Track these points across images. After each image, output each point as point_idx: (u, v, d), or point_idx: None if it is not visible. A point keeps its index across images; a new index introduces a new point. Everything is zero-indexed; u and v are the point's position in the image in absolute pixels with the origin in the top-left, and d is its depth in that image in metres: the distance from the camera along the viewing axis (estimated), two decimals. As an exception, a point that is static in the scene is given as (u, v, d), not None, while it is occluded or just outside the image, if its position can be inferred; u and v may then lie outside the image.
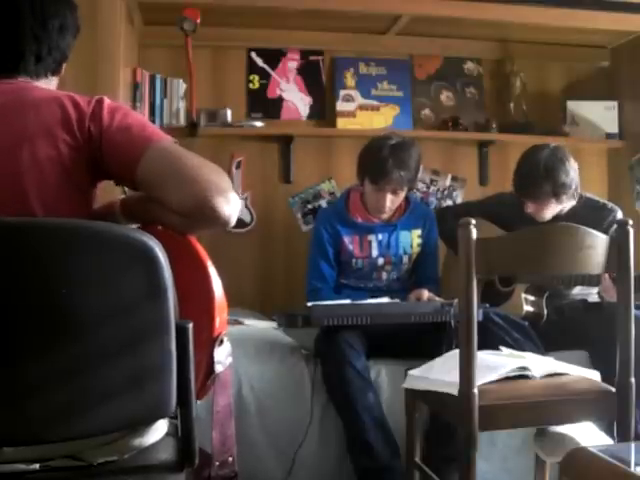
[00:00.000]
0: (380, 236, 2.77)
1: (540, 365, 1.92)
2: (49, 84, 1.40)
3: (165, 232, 1.26)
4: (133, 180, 1.27)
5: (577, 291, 2.78)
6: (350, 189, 2.86)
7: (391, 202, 2.69)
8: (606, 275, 2.33)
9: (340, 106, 3.52)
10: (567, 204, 2.69)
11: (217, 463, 1.28)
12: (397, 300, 2.59)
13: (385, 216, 2.76)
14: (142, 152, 1.25)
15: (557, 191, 2.58)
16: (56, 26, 1.35)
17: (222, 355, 1.26)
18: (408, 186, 2.73)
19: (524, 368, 1.87)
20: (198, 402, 1.21)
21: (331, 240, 2.76)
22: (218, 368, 1.25)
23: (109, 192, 1.49)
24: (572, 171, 2.61)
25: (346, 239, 2.75)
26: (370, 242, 2.76)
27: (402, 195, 2.72)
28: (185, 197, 1.21)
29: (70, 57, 1.44)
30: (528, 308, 2.69)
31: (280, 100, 3.53)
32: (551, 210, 2.65)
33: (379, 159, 2.61)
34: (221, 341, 1.25)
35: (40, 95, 1.29)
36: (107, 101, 1.30)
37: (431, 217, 2.87)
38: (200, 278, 1.24)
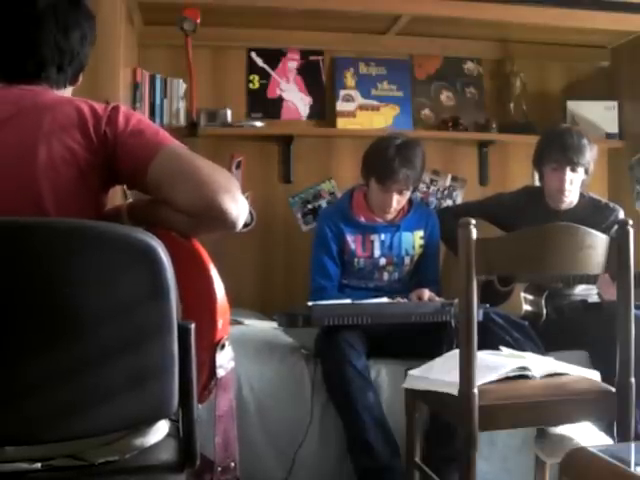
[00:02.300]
0: (383, 236, 2.77)
1: (540, 365, 1.92)
2: (65, 92, 1.42)
3: (168, 235, 1.26)
4: (144, 182, 1.29)
5: (578, 291, 2.79)
6: (354, 188, 2.86)
7: (397, 202, 2.70)
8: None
9: (340, 106, 3.52)
10: (577, 183, 2.73)
11: (219, 469, 1.28)
12: (397, 299, 2.60)
13: (390, 216, 2.76)
14: (154, 154, 1.27)
15: (576, 160, 2.67)
16: (78, 37, 1.38)
17: (224, 359, 1.26)
18: (414, 186, 2.74)
19: (524, 368, 1.87)
20: (199, 406, 1.21)
21: (335, 238, 2.76)
22: (220, 372, 1.26)
23: (111, 197, 1.49)
24: (594, 151, 2.74)
25: (349, 238, 2.75)
26: (373, 242, 2.76)
27: (408, 195, 2.73)
28: (195, 198, 1.23)
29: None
30: (527, 307, 2.69)
31: (280, 100, 3.53)
32: (565, 179, 2.69)
33: (386, 159, 2.62)
34: (223, 345, 1.26)
35: (57, 99, 1.31)
36: (123, 108, 1.33)
37: (433, 218, 2.88)
38: (202, 281, 1.25)
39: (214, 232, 1.31)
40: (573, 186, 2.71)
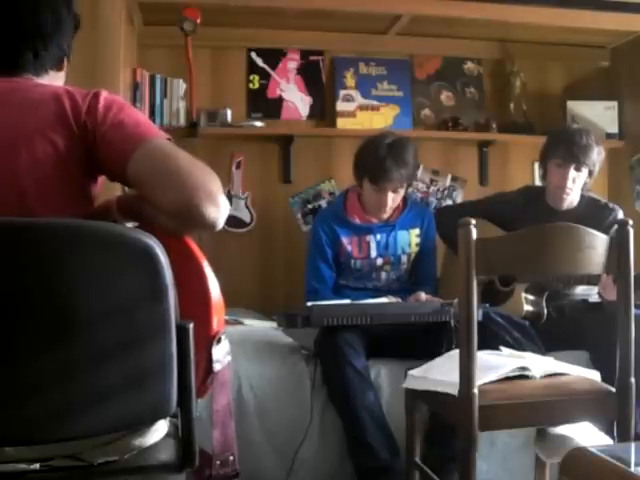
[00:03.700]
0: (378, 236, 2.77)
1: (540, 365, 1.91)
2: (53, 80, 1.38)
3: (161, 231, 1.25)
4: (124, 176, 1.25)
5: (579, 291, 2.79)
6: (348, 190, 2.86)
7: (392, 201, 2.70)
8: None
9: (340, 106, 3.52)
10: (579, 183, 2.72)
11: (218, 462, 1.27)
12: (397, 299, 2.60)
13: (385, 216, 2.76)
14: (133, 150, 1.23)
15: (582, 159, 2.66)
16: (50, 21, 1.33)
17: (220, 354, 1.25)
18: (407, 183, 2.74)
19: (524, 368, 1.87)
20: (198, 401, 1.21)
21: (329, 242, 2.76)
22: (216, 367, 1.24)
23: (108, 190, 1.49)
24: (601, 154, 2.73)
25: (344, 240, 2.75)
26: (369, 243, 2.76)
27: (402, 193, 2.73)
28: (173, 199, 1.19)
29: (71, 54, 1.43)
30: (528, 308, 2.69)
31: (280, 100, 3.53)
32: (568, 177, 2.69)
33: (378, 159, 2.61)
34: (219, 340, 1.25)
35: (39, 93, 1.28)
36: (103, 94, 1.29)
37: (429, 216, 2.88)
38: (196, 278, 1.23)
39: (195, 232, 1.28)
40: (575, 185, 2.71)
